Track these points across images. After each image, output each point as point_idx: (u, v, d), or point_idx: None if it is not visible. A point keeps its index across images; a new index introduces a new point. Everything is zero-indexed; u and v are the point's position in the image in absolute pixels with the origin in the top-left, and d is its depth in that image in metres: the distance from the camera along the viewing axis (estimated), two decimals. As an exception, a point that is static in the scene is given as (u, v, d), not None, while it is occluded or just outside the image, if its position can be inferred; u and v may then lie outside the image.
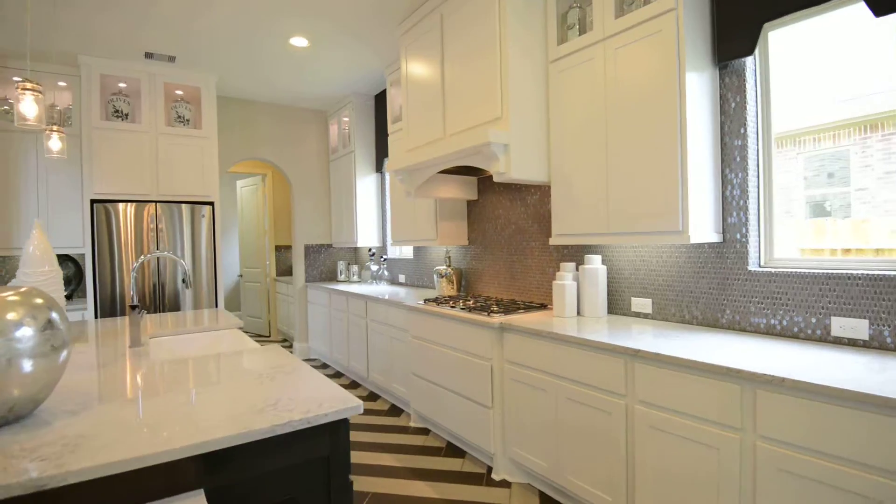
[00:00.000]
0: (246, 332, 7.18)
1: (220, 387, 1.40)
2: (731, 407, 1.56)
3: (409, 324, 3.25)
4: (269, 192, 6.65)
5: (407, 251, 4.67)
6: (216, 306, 4.29)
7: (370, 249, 5.19)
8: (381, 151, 4.92)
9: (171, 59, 3.89)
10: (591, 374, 2.02)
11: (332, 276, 5.56)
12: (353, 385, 4.31)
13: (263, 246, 6.79)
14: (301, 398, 1.28)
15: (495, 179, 2.50)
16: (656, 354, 1.75)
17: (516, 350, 2.41)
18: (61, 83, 4.03)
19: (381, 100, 4.89)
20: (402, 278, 4.69)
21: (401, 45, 3.38)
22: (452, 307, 2.92)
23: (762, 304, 2.01)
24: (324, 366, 5.03)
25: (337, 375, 4.63)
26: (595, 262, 2.52)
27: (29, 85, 2.10)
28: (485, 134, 2.35)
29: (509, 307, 2.79)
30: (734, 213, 2.10)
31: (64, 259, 4.25)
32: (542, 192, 3.01)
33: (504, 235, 3.33)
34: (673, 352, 1.74)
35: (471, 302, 3.07)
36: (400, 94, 3.93)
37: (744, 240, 2.07)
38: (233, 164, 4.98)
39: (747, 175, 2.06)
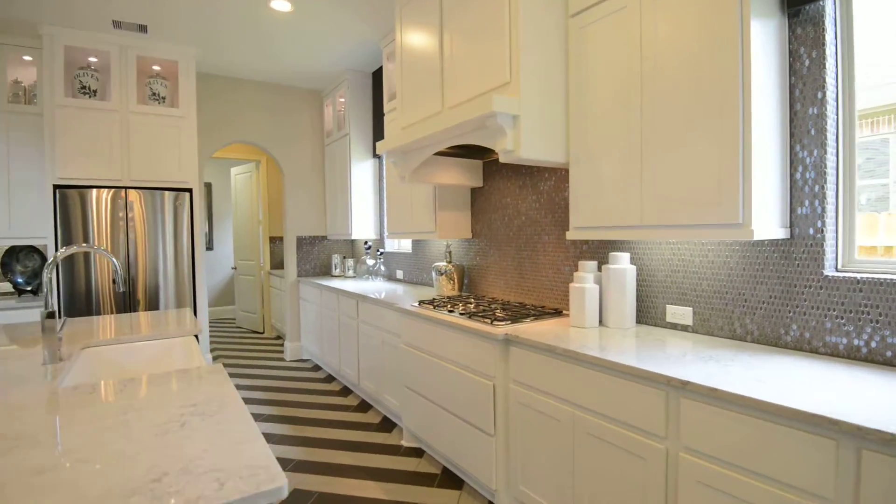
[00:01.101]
0: (240, 327, 6.84)
1: (105, 437, 0.99)
2: (825, 472, 1.12)
3: (401, 328, 2.84)
4: (264, 179, 6.25)
5: (405, 244, 4.25)
6: (194, 304, 3.91)
7: (366, 242, 4.78)
8: (379, 134, 4.49)
9: (142, 28, 3.48)
10: (619, 406, 1.59)
11: (326, 271, 5.16)
12: (343, 392, 3.92)
13: (257, 237, 6.41)
14: (202, 468, 0.86)
15: (502, 160, 2.06)
16: (713, 390, 1.31)
17: (525, 368, 1.98)
18: (26, 57, 3.65)
19: (378, 78, 4.45)
20: (399, 274, 4.28)
21: (396, 10, 2.93)
22: (450, 311, 2.49)
23: (842, 318, 1.55)
24: (315, 367, 4.64)
25: (328, 380, 4.25)
26: (622, 262, 2.08)
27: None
28: (489, 102, 1.90)
29: (517, 313, 2.36)
30: (806, 202, 1.64)
31: (30, 251, 3.88)
32: (557, 176, 2.56)
33: (513, 228, 2.89)
34: (736, 386, 1.30)
35: (472, 305, 2.64)
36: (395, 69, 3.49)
37: (819, 236, 1.61)
38: (218, 149, 4.58)
39: (825, 153, 1.60)
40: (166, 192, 3.76)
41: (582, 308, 2.10)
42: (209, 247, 7.70)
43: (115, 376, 2.07)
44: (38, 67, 3.67)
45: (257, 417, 3.40)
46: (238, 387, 4.08)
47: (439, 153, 2.80)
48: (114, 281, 3.58)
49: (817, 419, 1.11)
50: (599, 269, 2.34)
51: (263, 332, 6.46)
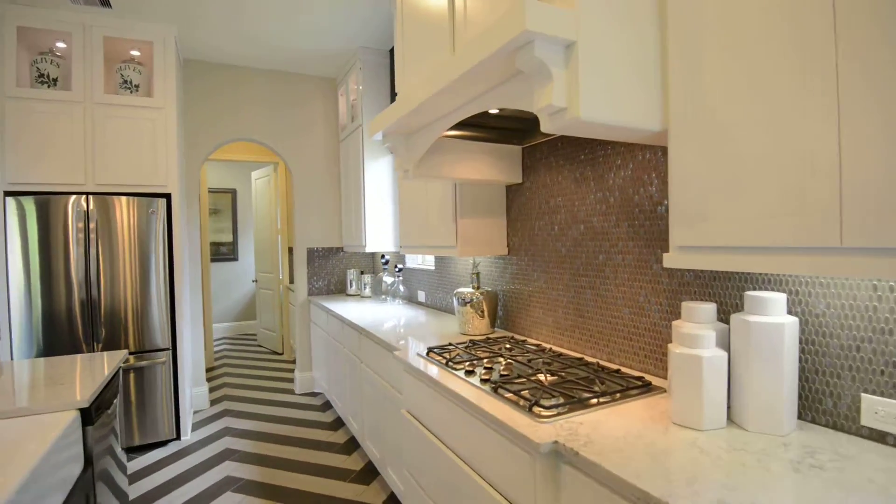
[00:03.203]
0: (260, 347, 6.23)
1: None
2: None
3: (403, 384, 1.98)
4: (282, 183, 5.62)
5: (429, 259, 3.40)
6: (171, 336, 3.23)
7: (383, 256, 3.97)
8: (398, 125, 3.68)
9: (104, 2, 2.84)
10: None
11: (342, 288, 4.40)
12: (349, 445, 3.11)
13: (276, 247, 5.78)
14: None
15: (548, 128, 1.16)
16: None
17: (591, 509, 1.07)
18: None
19: (397, 55, 3.65)
20: (421, 296, 3.43)
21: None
22: (469, 372, 1.61)
23: None
24: (325, 406, 3.87)
25: (334, 426, 3.46)
26: (774, 309, 1.13)
27: None
28: (520, 16, 1.02)
29: (574, 383, 1.45)
30: None
31: (-5, 268, 3.34)
32: (637, 159, 1.63)
33: (566, 242, 1.97)
34: None
35: (503, 362, 1.74)
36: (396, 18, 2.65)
37: None
38: (215, 149, 3.93)
39: None
40: (139, 199, 3.11)
41: (696, 392, 1.16)
42: (233, 257, 7.21)
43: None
44: None
45: (232, 483, 2.64)
46: (227, 430, 3.37)
47: (460, 135, 1.94)
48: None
49: None
50: (720, 316, 1.39)
51: (283, 354, 5.81)
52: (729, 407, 1.22)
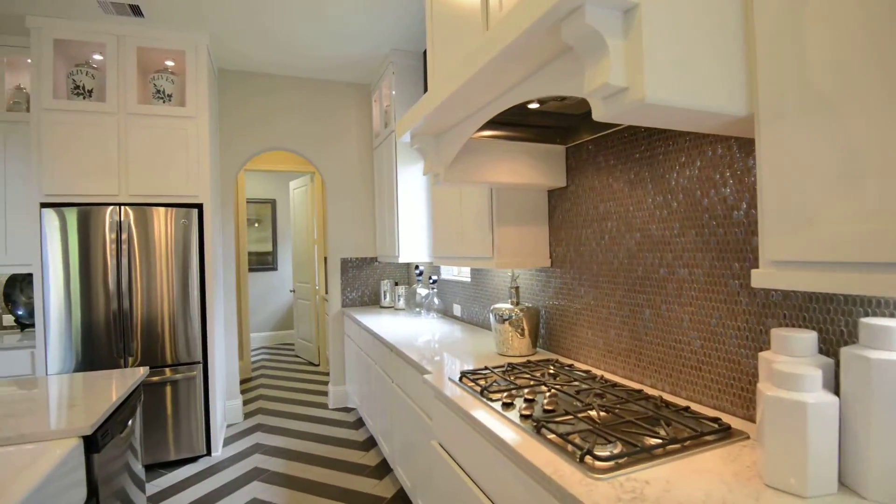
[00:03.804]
0: (298, 357, 6.19)
1: None
2: None
3: (433, 410, 1.78)
4: (318, 192, 5.57)
5: (465, 271, 3.20)
6: (202, 347, 3.16)
7: (417, 267, 3.79)
8: (432, 129, 3.51)
9: (135, 9, 2.83)
10: None
11: (376, 300, 4.26)
12: (381, 469, 2.93)
13: (312, 257, 5.73)
14: None
15: (599, 115, 0.94)
16: None
17: None
18: (31, 60, 3.18)
19: (431, 57, 3.49)
20: (457, 310, 3.23)
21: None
22: (507, 405, 1.39)
23: None
24: (357, 423, 3.72)
25: (367, 445, 3.29)
26: (907, 345, 0.86)
27: None
28: (567, -27, 0.81)
29: (632, 423, 1.20)
30: None
31: (26, 280, 3.39)
32: (706, 157, 1.38)
33: (618, 253, 1.73)
34: None
35: (545, 392, 1.51)
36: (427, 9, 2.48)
37: None
38: (249, 158, 3.89)
39: None
40: (171, 209, 3.07)
41: (799, 449, 0.90)
42: (273, 267, 7.25)
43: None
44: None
45: (258, 509, 2.51)
46: (258, 447, 3.26)
47: (496, 136, 1.74)
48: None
49: None
50: (821, 347, 1.12)
51: (318, 365, 5.74)
52: (839, 463, 0.95)
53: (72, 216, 2.87)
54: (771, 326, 1.21)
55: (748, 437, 1.15)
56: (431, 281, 3.41)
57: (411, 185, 3.57)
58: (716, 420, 1.22)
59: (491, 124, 1.63)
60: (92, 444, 1.44)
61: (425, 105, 1.50)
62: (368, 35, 3.26)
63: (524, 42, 0.99)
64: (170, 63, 3.36)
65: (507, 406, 1.40)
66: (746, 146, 1.26)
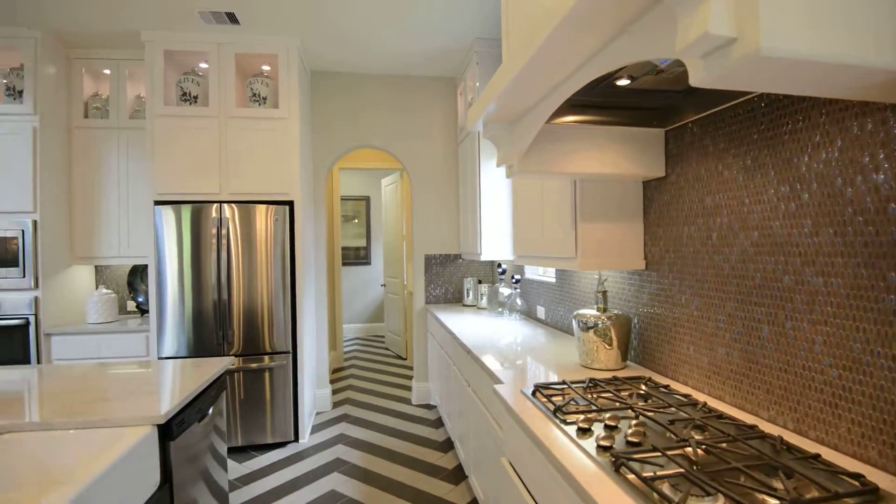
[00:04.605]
0: (387, 350, 6.34)
1: None
2: None
3: (504, 422, 1.62)
4: (406, 189, 5.62)
5: (550, 271, 2.98)
6: (291, 338, 3.29)
7: (499, 266, 3.63)
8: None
9: (231, 17, 2.98)
10: None
11: (458, 297, 4.17)
12: (457, 474, 2.83)
13: (401, 253, 5.80)
14: None
15: (697, 79, 0.72)
16: None
17: None
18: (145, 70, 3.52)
19: (517, 43, 3.30)
20: (540, 312, 3.02)
21: None
22: (584, 431, 1.20)
23: None
24: (438, 422, 3.66)
25: (445, 447, 3.21)
26: None
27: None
28: None
29: (742, 470, 0.95)
30: None
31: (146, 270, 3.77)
32: (849, 135, 1.07)
33: (730, 255, 1.44)
34: None
35: (631, 426, 1.29)
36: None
37: None
38: (339, 157, 3.99)
39: None
40: (264, 206, 3.22)
41: None
42: (367, 261, 7.50)
43: (35, 482, 1.36)
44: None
45: (335, 500, 2.53)
46: (342, 437, 3.33)
47: (579, 120, 1.53)
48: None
49: None
50: None
51: (406, 359, 5.81)
52: None
53: (186, 213, 3.12)
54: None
55: (912, 508, 0.86)
56: (514, 280, 3.23)
57: (494, 181, 3.41)
58: (858, 476, 0.93)
59: (574, 108, 1.43)
60: (167, 432, 1.49)
61: (495, 85, 1.35)
62: (450, 26, 3.16)
63: (599, -6, 0.80)
64: (265, 67, 3.53)
65: (584, 432, 1.20)
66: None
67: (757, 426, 1.20)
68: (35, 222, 3.05)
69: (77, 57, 3.37)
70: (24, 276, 3.03)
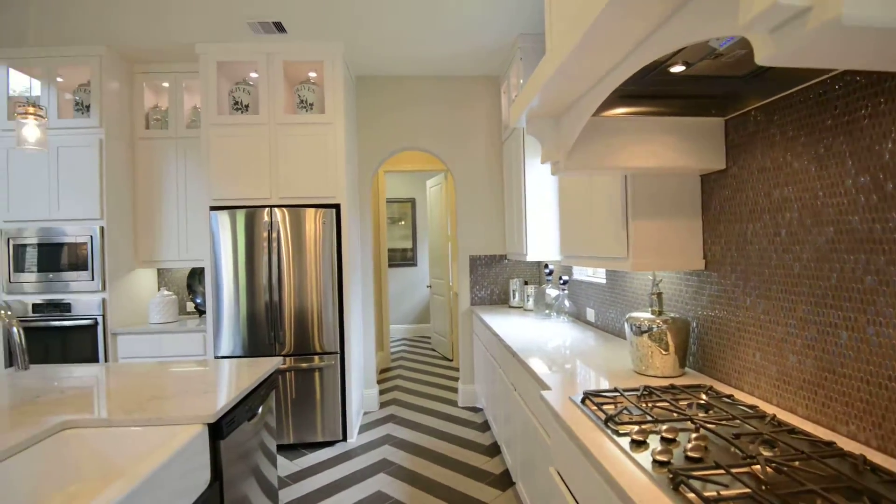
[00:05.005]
0: (433, 351, 6.34)
1: None
2: None
3: (552, 430, 1.56)
4: (451, 190, 5.60)
5: (600, 271, 2.87)
6: (339, 338, 3.33)
7: (546, 266, 3.53)
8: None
9: (278, 26, 3.06)
10: None
11: (504, 299, 4.10)
12: (503, 479, 2.77)
13: (446, 254, 5.79)
14: None
15: (764, 56, 0.65)
16: None
17: None
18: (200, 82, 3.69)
19: (563, 37, 3.20)
20: (590, 314, 2.91)
21: None
22: (637, 443, 1.13)
23: None
24: (484, 426, 3.61)
25: (492, 451, 3.16)
26: None
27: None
28: None
29: (815, 493, 0.85)
30: None
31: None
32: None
33: (801, 253, 1.31)
34: None
35: (691, 439, 1.20)
36: None
37: None
38: (384, 160, 4.02)
39: None
40: (312, 209, 3.28)
41: None
42: (413, 263, 7.55)
43: (97, 476, 1.43)
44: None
45: (381, 502, 2.54)
46: (389, 438, 3.35)
47: (631, 111, 1.45)
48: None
49: None
50: None
51: (452, 361, 5.79)
52: None
53: (240, 217, 3.24)
54: None
55: None
56: (562, 281, 3.13)
57: (540, 179, 3.33)
58: (968, 508, 0.81)
59: (623, 98, 1.36)
60: (217, 431, 1.53)
61: (538, 77, 1.29)
62: (493, 23, 3.10)
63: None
64: (312, 74, 3.61)
65: (638, 445, 1.13)
66: None
67: (835, 443, 1.08)
68: (102, 228, 3.26)
69: (138, 71, 3.57)
70: (92, 279, 3.24)
